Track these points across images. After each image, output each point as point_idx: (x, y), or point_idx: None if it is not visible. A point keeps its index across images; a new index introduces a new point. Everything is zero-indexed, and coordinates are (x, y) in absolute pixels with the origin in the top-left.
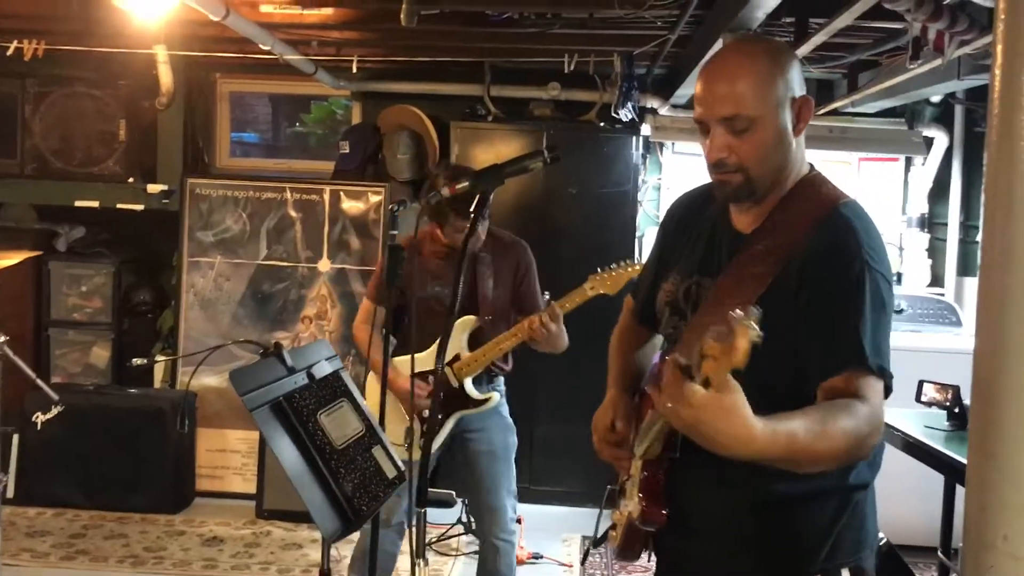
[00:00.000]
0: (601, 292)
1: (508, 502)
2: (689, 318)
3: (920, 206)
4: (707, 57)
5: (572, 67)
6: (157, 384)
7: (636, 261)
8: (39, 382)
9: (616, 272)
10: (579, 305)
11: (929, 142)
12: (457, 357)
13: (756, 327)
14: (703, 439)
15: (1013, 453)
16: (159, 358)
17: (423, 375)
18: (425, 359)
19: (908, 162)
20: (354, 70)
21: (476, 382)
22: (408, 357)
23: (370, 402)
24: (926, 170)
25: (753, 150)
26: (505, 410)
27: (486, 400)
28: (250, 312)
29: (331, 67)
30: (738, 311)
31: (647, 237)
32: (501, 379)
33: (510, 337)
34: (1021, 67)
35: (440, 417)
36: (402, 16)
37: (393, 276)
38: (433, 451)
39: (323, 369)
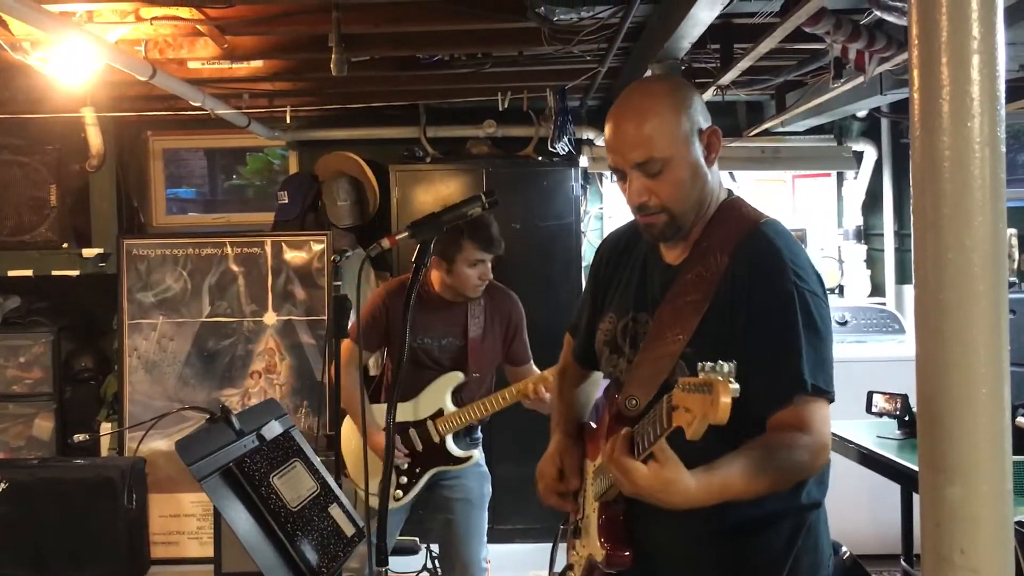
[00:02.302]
0: None
1: (481, 552)
2: (629, 355)
3: (855, 218)
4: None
5: (506, 104)
6: (104, 452)
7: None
8: None
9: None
10: None
11: (859, 156)
12: (440, 412)
13: (735, 382)
14: (646, 500)
15: (961, 467)
16: (103, 431)
17: (399, 427)
18: (403, 410)
19: (840, 177)
20: (288, 120)
21: (456, 438)
22: (384, 405)
23: (346, 449)
24: (858, 183)
25: (671, 190)
26: (482, 459)
27: (467, 459)
28: (197, 371)
29: (264, 118)
30: (709, 364)
31: None
32: (479, 432)
33: (498, 401)
34: (938, 90)
35: (418, 471)
36: (332, 66)
37: (337, 326)
38: (407, 502)
39: (273, 430)
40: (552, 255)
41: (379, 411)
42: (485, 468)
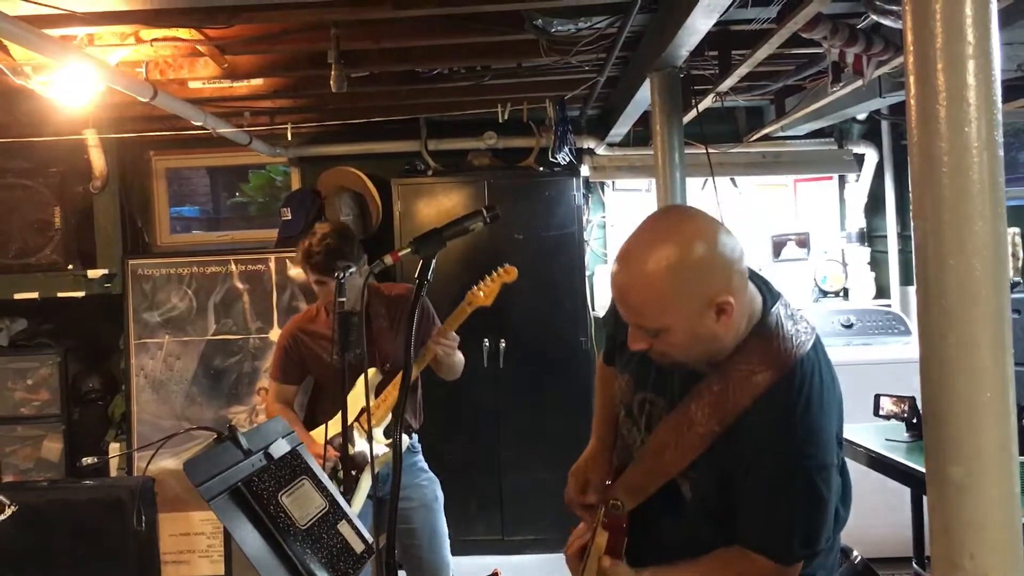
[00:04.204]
0: (479, 305)
1: (448, 555)
2: (642, 436)
3: (858, 221)
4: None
5: (506, 116)
6: (113, 472)
7: (504, 266)
8: None
9: (488, 284)
10: (463, 322)
11: (860, 158)
12: (363, 411)
13: None
14: None
15: (968, 471)
16: (112, 451)
17: (331, 440)
18: (335, 424)
19: (842, 180)
20: (289, 137)
21: (386, 433)
22: (321, 428)
23: None
24: (860, 186)
25: (670, 348)
26: (425, 465)
27: (393, 443)
28: (204, 389)
29: (266, 135)
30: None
31: (597, 276)
32: (415, 435)
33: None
34: (934, 95)
35: (355, 474)
36: (331, 83)
37: (346, 342)
38: (358, 510)
39: (281, 448)
40: (556, 265)
41: (315, 434)
42: (430, 473)
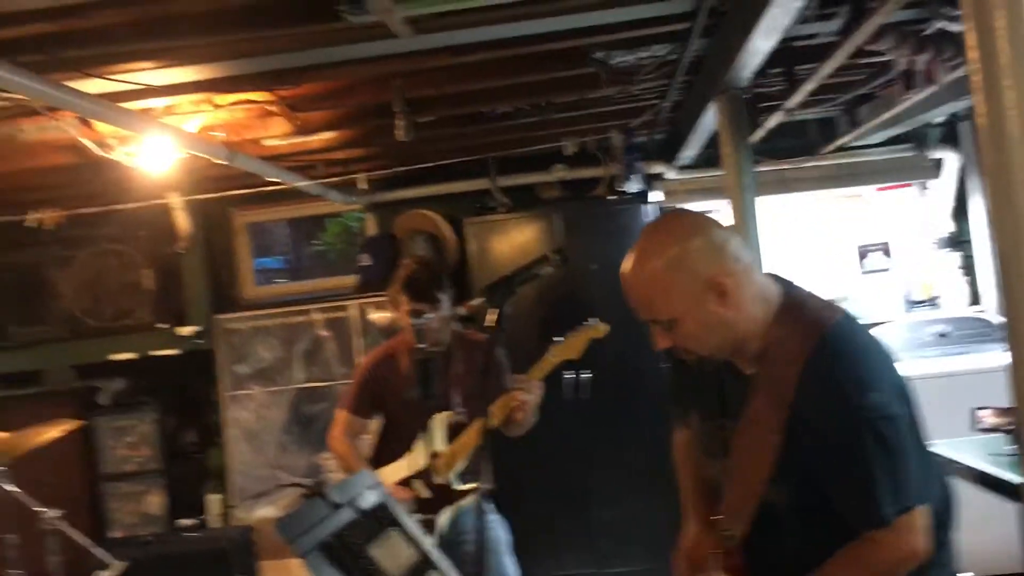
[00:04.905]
0: (565, 358)
1: None
2: (724, 463)
3: (944, 226)
4: None
5: (573, 148)
6: (212, 521)
7: (594, 322)
8: (97, 550)
9: (576, 336)
10: (547, 374)
11: (939, 163)
12: (436, 455)
13: None
14: None
15: None
16: (211, 503)
17: (407, 480)
18: (406, 466)
19: (923, 186)
20: (362, 185)
21: (461, 478)
22: (392, 466)
23: None
24: (943, 190)
25: (688, 339)
26: (492, 506)
27: (473, 490)
28: (295, 437)
29: (340, 185)
30: None
31: None
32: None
33: (484, 423)
34: (1002, 112)
35: (432, 518)
36: (398, 132)
37: (427, 387)
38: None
39: (368, 500)
40: None
41: (385, 473)
42: (498, 515)
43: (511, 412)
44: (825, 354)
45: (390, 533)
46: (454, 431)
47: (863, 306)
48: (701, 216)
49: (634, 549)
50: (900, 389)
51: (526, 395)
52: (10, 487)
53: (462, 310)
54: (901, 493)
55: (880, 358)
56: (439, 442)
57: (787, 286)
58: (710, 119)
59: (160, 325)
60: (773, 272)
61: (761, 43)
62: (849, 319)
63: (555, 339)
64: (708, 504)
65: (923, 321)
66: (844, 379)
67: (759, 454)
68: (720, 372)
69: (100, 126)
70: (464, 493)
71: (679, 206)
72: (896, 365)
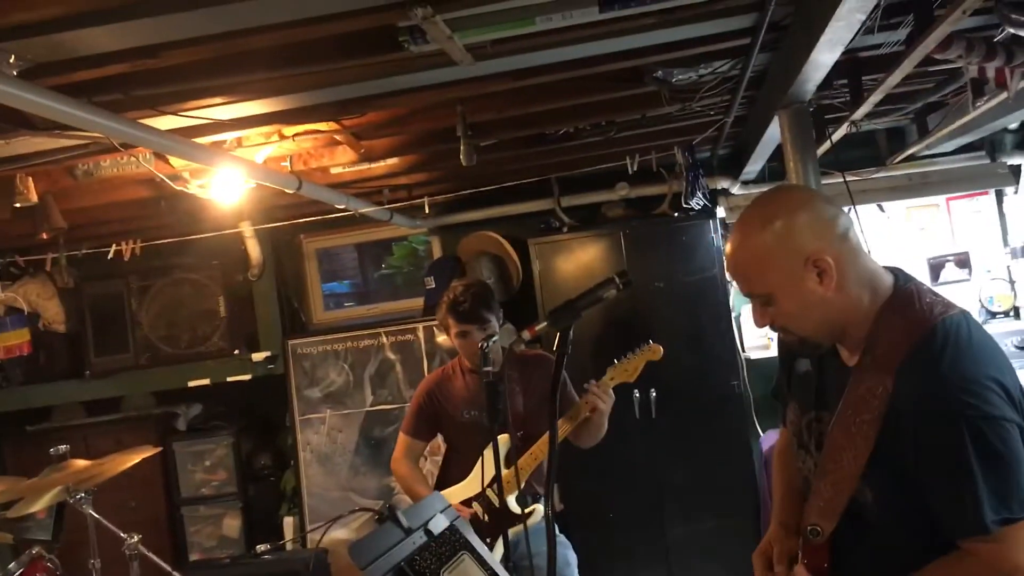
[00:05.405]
0: (621, 381)
1: None
2: (815, 457)
3: (1023, 235)
4: None
5: (635, 167)
6: (288, 546)
7: (650, 343)
8: (177, 574)
9: (634, 359)
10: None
11: (1016, 170)
12: (495, 478)
13: None
14: None
15: None
16: (286, 525)
17: (466, 502)
18: (465, 488)
19: (999, 193)
20: (427, 209)
21: (519, 499)
22: (453, 488)
23: None
24: (1021, 198)
25: (785, 317)
26: (555, 528)
27: (531, 513)
28: (366, 459)
29: (405, 209)
30: None
31: (744, 317)
32: (542, 500)
33: (545, 443)
34: None
35: (488, 542)
36: (461, 157)
37: (494, 412)
38: None
39: (439, 524)
40: (699, 309)
41: (447, 494)
42: (563, 536)
43: (584, 419)
44: (932, 346)
45: (462, 557)
46: (512, 453)
47: None
48: (813, 191)
49: (709, 565)
50: (1013, 394)
51: (599, 401)
52: (93, 512)
53: (527, 334)
54: (1006, 502)
55: (994, 359)
56: (498, 464)
57: (903, 277)
58: (774, 133)
59: (235, 352)
60: (894, 264)
61: (825, 56)
62: (966, 316)
63: (614, 361)
64: (795, 505)
65: (1003, 332)
66: (949, 373)
67: (853, 448)
68: (822, 362)
69: (174, 160)
70: (525, 515)
71: None
72: (1015, 371)
